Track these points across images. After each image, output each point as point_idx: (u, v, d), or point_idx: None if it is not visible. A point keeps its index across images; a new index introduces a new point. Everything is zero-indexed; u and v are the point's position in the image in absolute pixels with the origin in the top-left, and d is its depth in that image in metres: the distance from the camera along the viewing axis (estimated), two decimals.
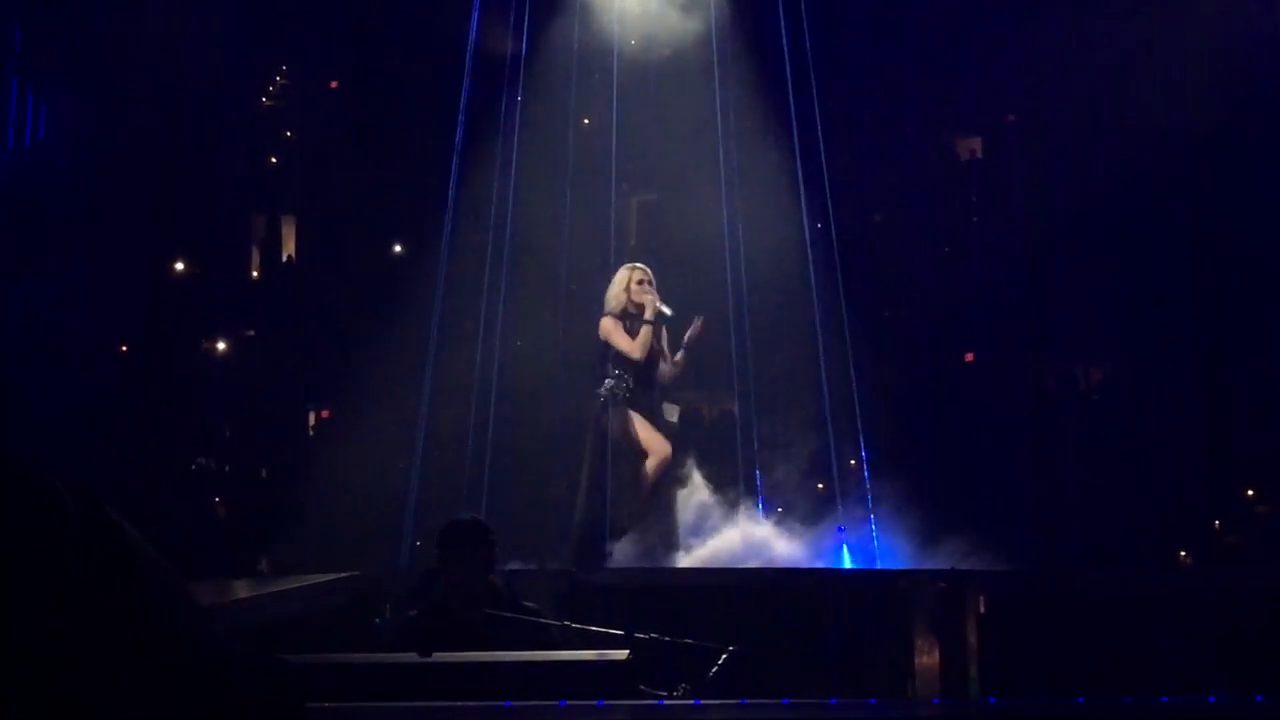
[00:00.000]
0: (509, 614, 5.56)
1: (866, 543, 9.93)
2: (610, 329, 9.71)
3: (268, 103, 13.47)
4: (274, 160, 13.45)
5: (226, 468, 12.66)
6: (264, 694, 1.36)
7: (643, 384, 9.74)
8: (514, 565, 8.29)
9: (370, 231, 12.83)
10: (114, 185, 11.69)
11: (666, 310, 9.80)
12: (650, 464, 9.60)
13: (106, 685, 1.23)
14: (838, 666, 7.81)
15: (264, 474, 12.68)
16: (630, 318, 9.76)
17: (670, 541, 9.54)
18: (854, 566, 9.68)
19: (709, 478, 10.03)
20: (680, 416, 10.05)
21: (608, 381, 9.66)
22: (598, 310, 9.96)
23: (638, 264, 10.00)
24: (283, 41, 12.83)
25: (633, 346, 9.66)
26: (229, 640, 1.36)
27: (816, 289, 11.00)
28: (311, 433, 13.15)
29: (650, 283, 9.82)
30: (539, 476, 11.04)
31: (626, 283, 9.79)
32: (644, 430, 9.64)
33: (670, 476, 9.75)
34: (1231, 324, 11.82)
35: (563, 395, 11.07)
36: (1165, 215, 11.92)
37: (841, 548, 9.94)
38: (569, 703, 4.10)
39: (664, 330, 9.88)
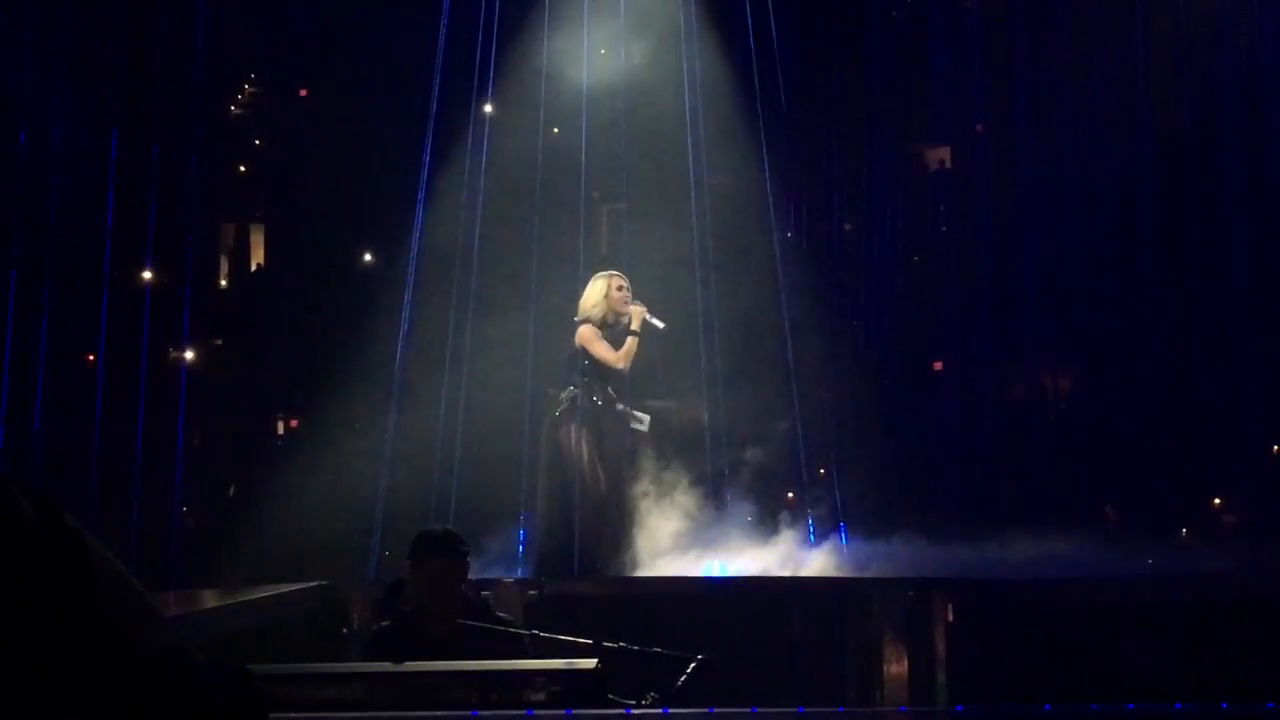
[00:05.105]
0: (481, 624, 5.56)
1: (835, 550, 9.92)
2: (590, 337, 9.44)
3: (236, 111, 13.42)
4: (243, 169, 13.39)
5: (194, 478, 12.58)
6: (225, 703, 1.36)
7: (611, 397, 9.47)
8: (490, 575, 8.28)
9: (339, 240, 12.80)
10: (80, 192, 11.62)
11: (659, 324, 9.56)
12: (596, 493, 9.33)
13: (62, 695, 1.22)
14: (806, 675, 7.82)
15: (232, 484, 12.62)
16: (609, 327, 9.53)
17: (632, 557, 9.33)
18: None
19: (680, 488, 9.91)
20: (650, 426, 9.81)
21: (570, 389, 9.41)
22: (569, 320, 9.84)
23: (614, 272, 9.78)
24: (252, 49, 12.78)
25: (616, 357, 9.40)
26: (190, 649, 1.35)
27: (786, 297, 11.02)
28: (280, 442, 13.09)
29: (628, 290, 9.62)
30: (507, 487, 11.00)
31: (605, 290, 9.54)
32: (596, 457, 9.34)
33: (619, 502, 9.44)
34: (1199, 331, 11.88)
35: (532, 406, 11.05)
36: (1133, 223, 11.98)
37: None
38: (536, 712, 4.10)
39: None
